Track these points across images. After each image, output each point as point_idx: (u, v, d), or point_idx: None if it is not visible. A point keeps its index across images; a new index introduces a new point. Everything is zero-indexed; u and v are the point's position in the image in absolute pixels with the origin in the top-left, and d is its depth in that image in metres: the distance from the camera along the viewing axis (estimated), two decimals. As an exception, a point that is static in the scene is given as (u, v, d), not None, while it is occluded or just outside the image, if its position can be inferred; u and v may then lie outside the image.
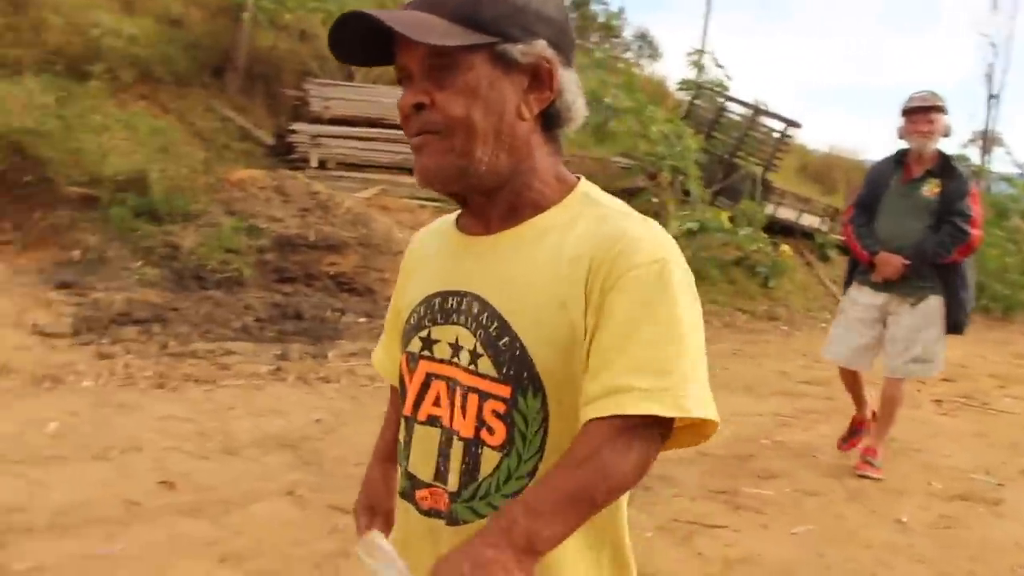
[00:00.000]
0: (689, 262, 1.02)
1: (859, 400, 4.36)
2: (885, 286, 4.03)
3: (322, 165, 8.66)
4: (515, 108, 0.99)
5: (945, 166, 4.00)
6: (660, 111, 10.77)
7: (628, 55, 18.18)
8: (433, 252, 1.14)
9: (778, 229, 11.69)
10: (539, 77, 1.00)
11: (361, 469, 1.33)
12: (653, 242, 0.97)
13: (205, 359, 5.18)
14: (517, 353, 0.98)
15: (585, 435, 0.91)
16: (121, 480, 3.30)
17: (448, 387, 1.03)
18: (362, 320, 6.50)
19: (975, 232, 3.92)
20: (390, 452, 1.25)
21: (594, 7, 16.66)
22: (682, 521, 3.35)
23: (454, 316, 1.04)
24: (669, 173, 10.34)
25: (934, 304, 3.97)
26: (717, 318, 9.15)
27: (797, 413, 5.49)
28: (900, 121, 4.08)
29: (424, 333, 1.06)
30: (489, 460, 1.00)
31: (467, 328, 1.02)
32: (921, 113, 3.97)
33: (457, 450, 1.02)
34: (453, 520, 1.03)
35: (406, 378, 1.09)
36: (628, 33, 19.14)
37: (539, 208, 1.03)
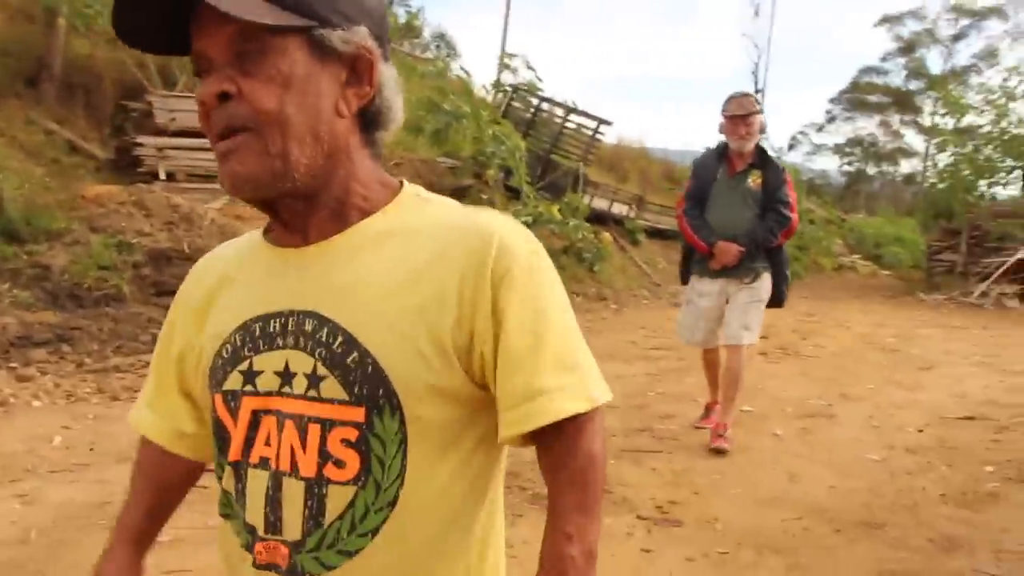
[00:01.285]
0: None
1: (714, 384, 4.82)
2: (722, 271, 4.47)
3: (170, 177, 8.74)
4: (333, 103, 0.89)
5: (764, 159, 4.49)
6: (486, 113, 11.72)
7: (428, 55, 18.83)
8: (239, 274, 0.99)
9: (593, 218, 13.14)
10: (357, 70, 0.90)
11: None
12: (520, 232, 0.94)
13: (132, 372, 5.42)
14: (370, 370, 0.87)
15: (560, 440, 0.90)
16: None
17: (277, 422, 0.90)
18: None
19: (795, 216, 4.50)
20: (139, 532, 1.08)
21: (397, 7, 17.13)
22: (628, 450, 4.31)
23: (279, 340, 0.91)
24: (496, 172, 11.32)
25: (766, 281, 4.50)
26: (562, 301, 10.30)
27: (662, 371, 6.68)
28: (721, 120, 4.51)
29: (244, 365, 0.92)
30: (338, 499, 0.89)
31: (301, 350, 0.90)
32: (740, 119, 4.42)
33: (295, 493, 0.89)
34: (293, 573, 0.90)
35: (226, 422, 0.94)
36: (427, 33, 19.58)
37: (365, 213, 0.93)
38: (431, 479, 0.90)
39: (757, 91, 20.24)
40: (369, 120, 0.94)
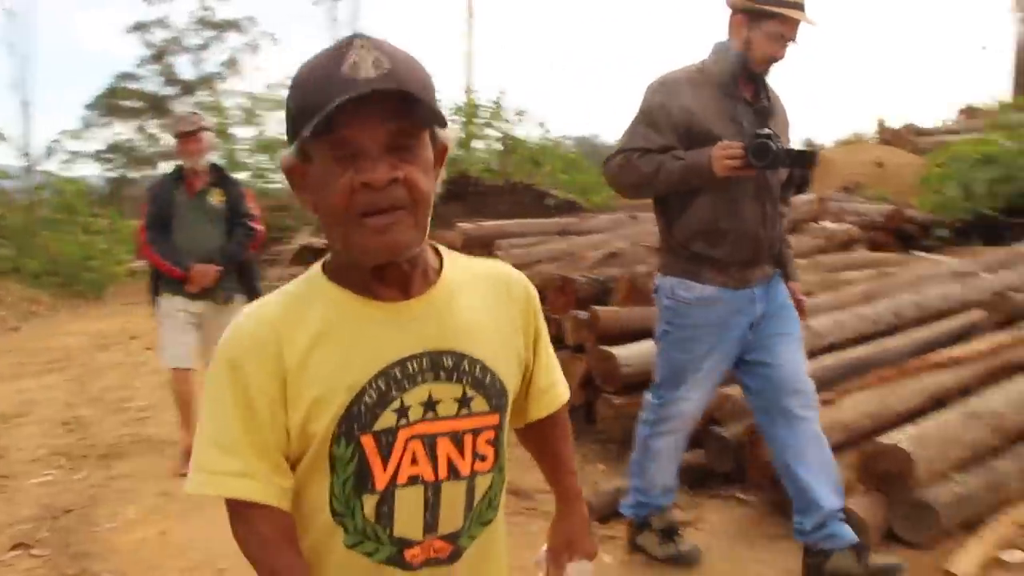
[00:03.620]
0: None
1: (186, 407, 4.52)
2: (200, 294, 4.41)
3: None
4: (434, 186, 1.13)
5: (220, 175, 4.61)
6: None
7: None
8: (336, 331, 1.12)
9: None
10: (440, 160, 1.14)
11: None
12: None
13: None
14: (498, 386, 1.19)
15: (561, 417, 1.41)
16: None
17: (424, 444, 1.14)
18: None
19: (260, 228, 4.63)
20: None
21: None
22: None
23: (419, 377, 1.13)
24: None
25: (240, 301, 4.44)
26: None
27: None
28: (175, 142, 4.56)
29: (396, 404, 1.12)
30: (482, 485, 1.20)
31: (445, 381, 1.14)
32: (190, 136, 4.45)
33: (456, 492, 1.17)
34: (456, 556, 1.19)
35: (372, 458, 1.12)
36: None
37: (437, 270, 1.19)
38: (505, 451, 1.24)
39: (25, 102, 17.72)
40: None
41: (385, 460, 1.12)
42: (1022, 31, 15.27)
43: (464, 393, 1.16)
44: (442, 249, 1.24)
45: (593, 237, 6.54)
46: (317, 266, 1.19)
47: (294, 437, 1.11)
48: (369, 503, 1.13)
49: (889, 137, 14.50)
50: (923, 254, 7.30)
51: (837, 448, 3.25)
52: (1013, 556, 2.93)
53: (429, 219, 1.11)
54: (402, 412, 1.12)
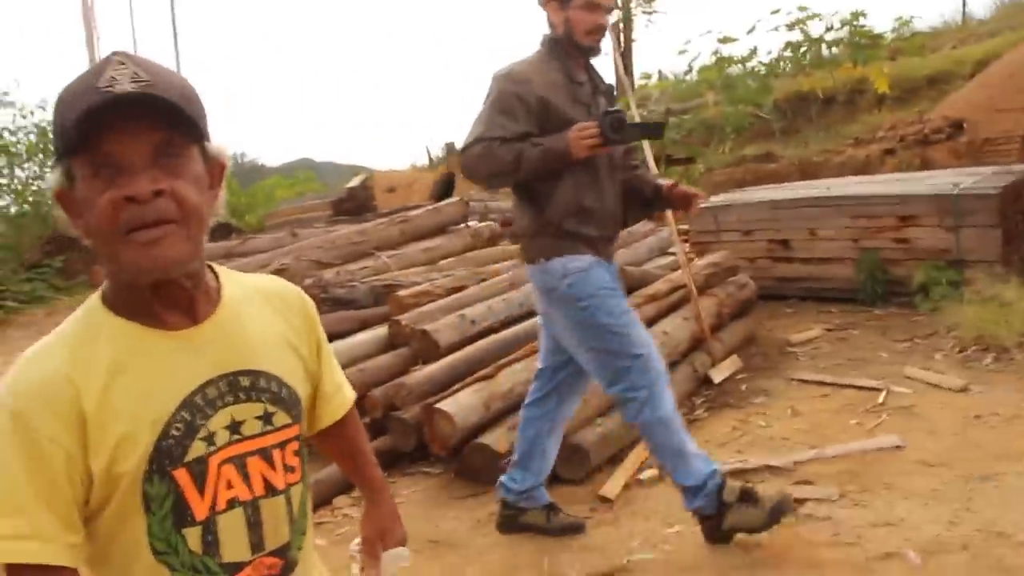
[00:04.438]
0: None
1: None
2: None
3: None
4: (210, 203, 1.12)
5: None
6: None
7: None
8: (133, 365, 1.09)
9: None
10: (216, 178, 1.14)
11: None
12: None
13: None
14: (294, 397, 1.22)
15: (353, 416, 1.45)
16: None
17: (235, 466, 1.13)
18: None
19: None
20: None
21: None
22: None
23: (218, 401, 1.12)
24: None
25: None
26: None
27: None
28: None
29: (203, 433, 1.10)
30: (297, 496, 1.21)
31: (244, 402, 1.15)
32: None
33: (276, 507, 1.17)
34: (289, 569, 1.21)
35: (188, 491, 1.10)
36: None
37: (217, 289, 1.19)
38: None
39: None
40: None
41: (201, 490, 1.10)
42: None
43: (265, 410, 1.17)
44: (216, 267, 1.23)
45: (259, 256, 6.61)
46: (94, 298, 1.14)
47: (98, 482, 1.06)
48: (192, 536, 1.11)
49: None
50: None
51: (501, 414, 3.79)
52: (647, 474, 3.64)
53: (204, 236, 1.11)
54: (209, 439, 1.11)
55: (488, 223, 7.41)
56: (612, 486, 3.50)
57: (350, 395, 1.43)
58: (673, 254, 5.25)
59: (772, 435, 3.96)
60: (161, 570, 1.10)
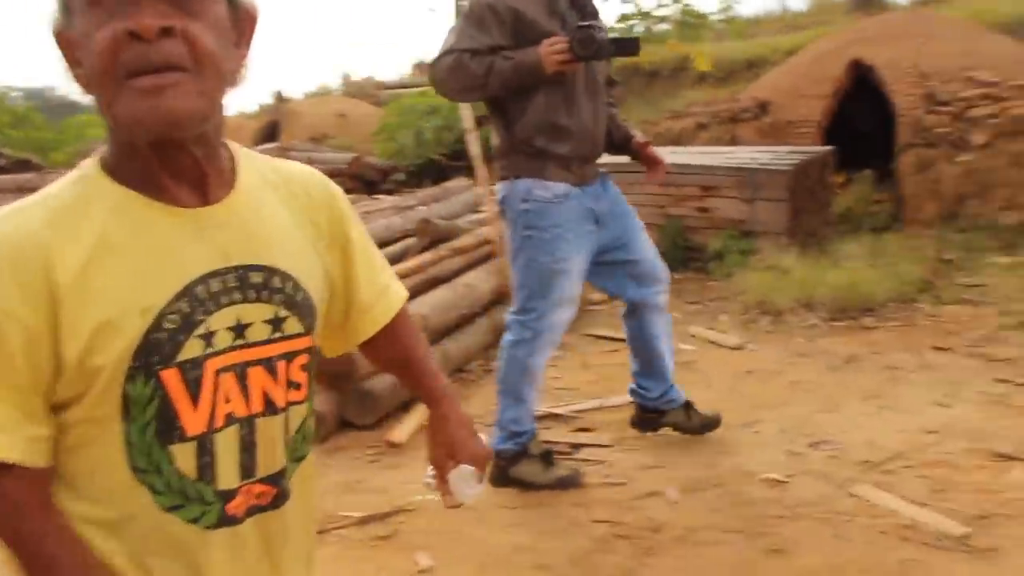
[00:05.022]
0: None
1: None
2: None
3: None
4: (232, 57, 0.94)
5: None
6: None
7: None
8: (125, 241, 0.91)
9: None
10: (245, 35, 0.97)
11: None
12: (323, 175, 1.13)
13: None
14: (310, 304, 1.03)
15: (403, 318, 1.23)
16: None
17: (236, 375, 0.96)
18: None
19: None
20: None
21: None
22: None
23: (224, 297, 0.95)
24: None
25: None
26: None
27: None
28: None
29: (201, 331, 0.93)
30: (296, 416, 1.04)
31: (256, 302, 0.97)
32: None
33: (273, 427, 1.00)
34: (282, 499, 1.03)
35: (177, 396, 0.92)
36: None
37: (232, 171, 1.01)
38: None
39: None
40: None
41: (194, 399, 0.93)
42: (455, -1, 17.52)
43: (276, 314, 0.99)
44: (233, 146, 1.04)
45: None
46: (91, 161, 0.96)
47: (69, 373, 0.88)
48: (182, 455, 0.94)
49: (353, 90, 15.67)
50: (383, 197, 8.27)
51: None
52: (437, 421, 3.70)
53: (221, 95, 0.93)
54: (207, 339, 0.94)
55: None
56: (401, 432, 3.55)
57: (397, 297, 1.21)
58: (484, 211, 5.35)
59: (562, 386, 4.13)
60: (140, 491, 0.93)
